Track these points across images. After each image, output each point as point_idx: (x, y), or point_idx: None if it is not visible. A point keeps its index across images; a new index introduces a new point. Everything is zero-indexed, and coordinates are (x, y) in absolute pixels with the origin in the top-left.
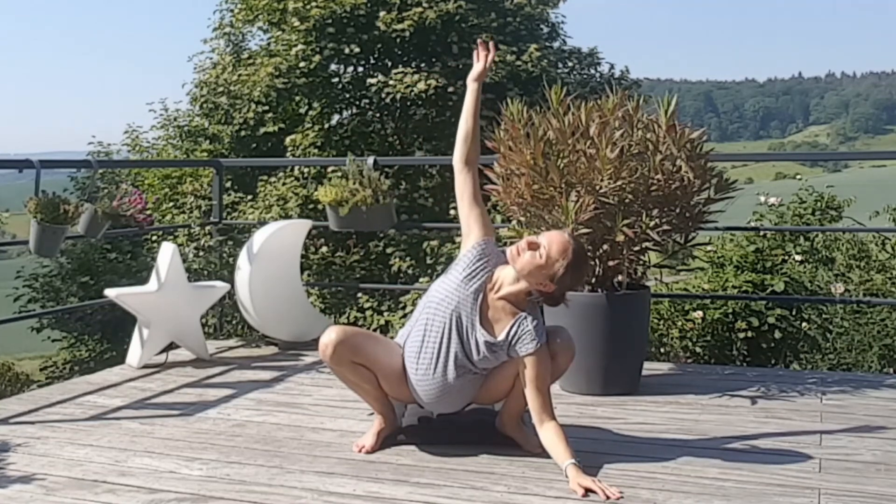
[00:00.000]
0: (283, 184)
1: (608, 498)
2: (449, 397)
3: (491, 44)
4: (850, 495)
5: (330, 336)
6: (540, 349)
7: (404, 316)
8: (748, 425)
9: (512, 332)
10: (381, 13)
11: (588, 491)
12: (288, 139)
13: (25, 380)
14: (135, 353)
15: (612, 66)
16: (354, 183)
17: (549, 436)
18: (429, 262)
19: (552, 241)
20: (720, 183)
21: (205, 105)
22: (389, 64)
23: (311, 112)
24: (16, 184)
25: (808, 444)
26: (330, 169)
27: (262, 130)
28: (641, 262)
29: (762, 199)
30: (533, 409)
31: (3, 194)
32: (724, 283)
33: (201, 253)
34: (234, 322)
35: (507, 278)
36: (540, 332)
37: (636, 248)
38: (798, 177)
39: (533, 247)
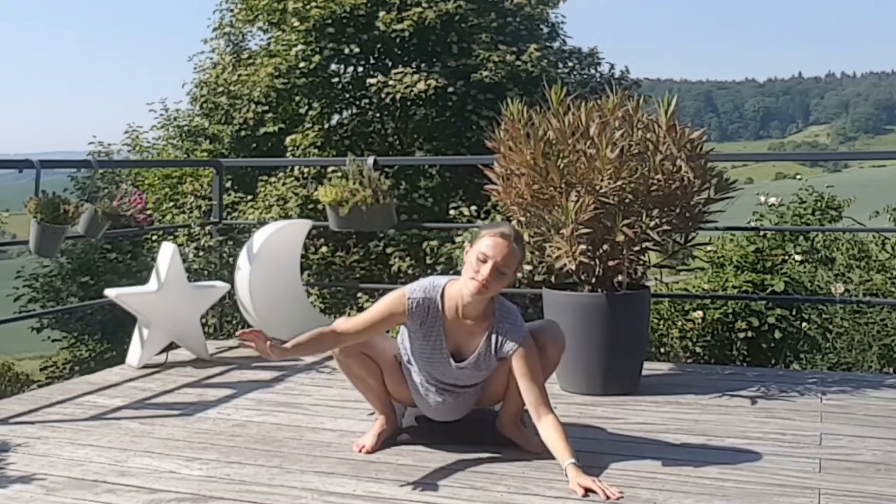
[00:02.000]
0: (283, 184)
1: (608, 498)
2: (449, 410)
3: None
4: (850, 495)
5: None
6: (525, 341)
7: None
8: (748, 425)
9: (493, 340)
10: (381, 13)
11: (588, 491)
12: (288, 139)
13: (25, 380)
14: (135, 353)
15: (612, 66)
16: (354, 183)
17: (548, 430)
18: (429, 262)
19: (505, 256)
20: (720, 183)
21: (205, 105)
22: (389, 64)
23: (311, 112)
24: (16, 184)
25: (808, 444)
26: (330, 169)
27: (262, 130)
28: (641, 262)
29: (762, 199)
30: (529, 404)
31: (3, 194)
32: (724, 283)
33: (201, 253)
34: (234, 322)
35: (469, 303)
36: (519, 325)
37: (636, 248)
38: (798, 177)
39: (496, 273)
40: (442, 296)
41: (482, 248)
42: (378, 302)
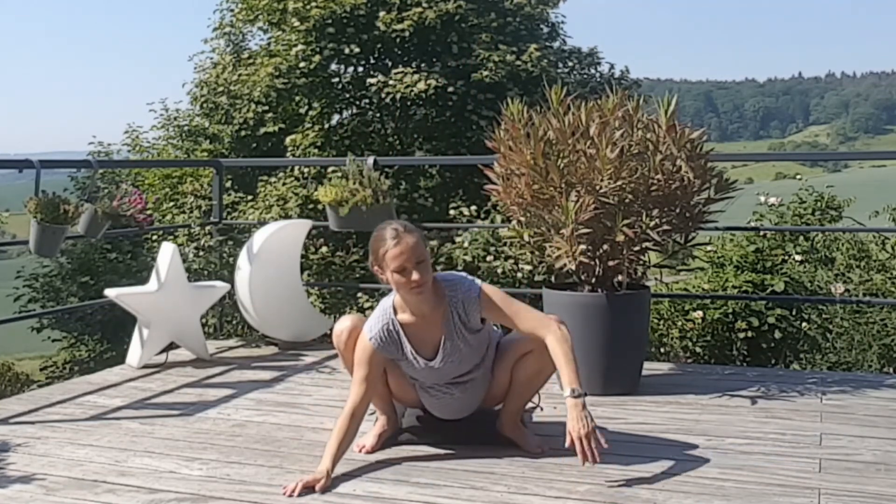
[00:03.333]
0: (283, 184)
1: (586, 460)
2: (460, 404)
3: None
4: (850, 495)
5: (345, 323)
6: (479, 295)
7: None
8: (748, 425)
9: (454, 317)
10: (381, 13)
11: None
12: (288, 139)
13: (25, 380)
14: (135, 353)
15: (612, 66)
16: (354, 183)
17: (553, 349)
18: None
19: (412, 250)
20: (720, 183)
21: (205, 105)
22: (389, 64)
23: (311, 112)
24: (16, 184)
25: (808, 444)
26: (330, 169)
27: (262, 130)
28: (641, 262)
29: (762, 199)
30: (529, 333)
31: (3, 194)
32: (724, 283)
33: (201, 253)
34: (234, 322)
35: (418, 302)
36: (465, 285)
37: (636, 248)
38: (798, 177)
39: (420, 268)
40: (394, 311)
41: (393, 265)
42: (356, 362)
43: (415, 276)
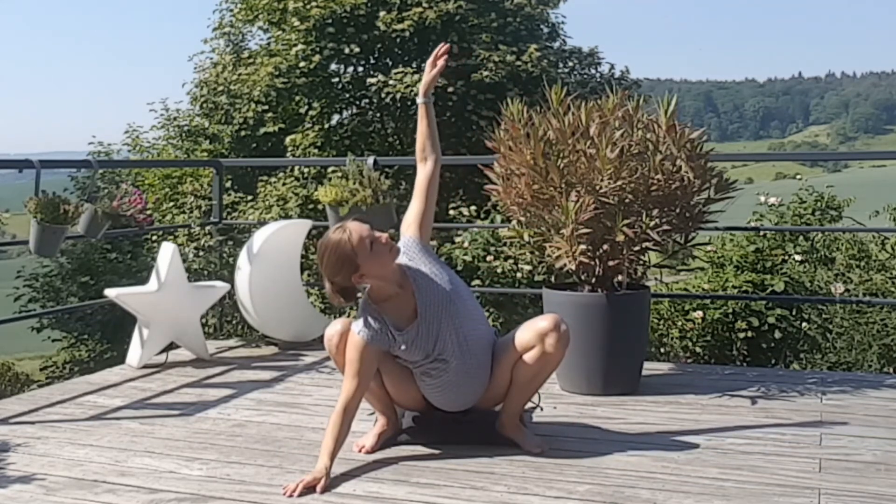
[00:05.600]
0: (283, 184)
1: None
2: (457, 385)
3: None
4: (850, 495)
5: (336, 327)
6: (404, 237)
7: None
8: (748, 425)
9: (416, 258)
10: (381, 13)
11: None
12: (288, 139)
13: (25, 380)
14: (135, 353)
15: (612, 66)
16: (354, 183)
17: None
18: None
19: (361, 228)
20: (720, 183)
21: (205, 105)
22: (389, 64)
23: (311, 112)
24: (16, 184)
25: (808, 444)
26: (330, 169)
27: (262, 130)
28: (641, 262)
29: (762, 199)
30: (424, 177)
31: (3, 194)
32: (724, 283)
33: (201, 253)
34: (234, 322)
35: (394, 270)
36: (399, 243)
37: (636, 248)
38: (798, 177)
39: (379, 234)
40: (374, 301)
41: (365, 246)
42: (347, 360)
43: (383, 237)
